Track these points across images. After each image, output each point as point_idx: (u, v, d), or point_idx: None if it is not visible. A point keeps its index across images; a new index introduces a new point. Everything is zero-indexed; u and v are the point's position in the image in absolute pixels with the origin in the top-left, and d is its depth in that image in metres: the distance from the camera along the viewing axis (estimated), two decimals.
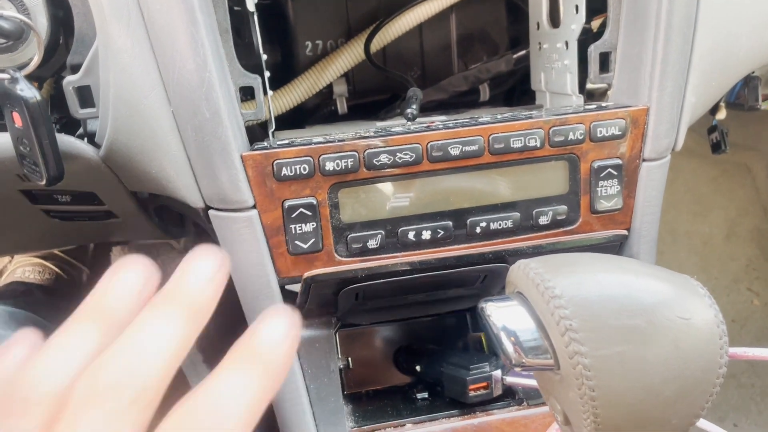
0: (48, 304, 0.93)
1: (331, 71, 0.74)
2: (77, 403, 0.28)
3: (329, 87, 0.76)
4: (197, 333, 0.31)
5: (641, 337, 0.37)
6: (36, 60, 0.49)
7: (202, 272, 0.32)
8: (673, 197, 1.41)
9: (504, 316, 0.40)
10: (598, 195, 0.55)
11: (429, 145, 0.52)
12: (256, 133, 0.59)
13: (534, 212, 0.55)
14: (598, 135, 0.54)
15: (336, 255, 0.53)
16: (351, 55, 0.74)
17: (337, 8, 0.77)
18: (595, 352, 0.37)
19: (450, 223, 0.54)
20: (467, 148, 0.52)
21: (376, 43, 0.73)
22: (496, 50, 0.79)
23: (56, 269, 1.03)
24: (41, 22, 0.49)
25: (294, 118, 0.74)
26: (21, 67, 0.49)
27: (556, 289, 0.38)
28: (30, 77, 0.50)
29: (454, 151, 0.52)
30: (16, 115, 0.48)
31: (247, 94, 0.54)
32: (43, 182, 0.50)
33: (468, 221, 0.54)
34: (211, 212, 0.53)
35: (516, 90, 0.80)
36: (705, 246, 1.42)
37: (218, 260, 0.33)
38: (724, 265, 1.40)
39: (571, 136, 0.53)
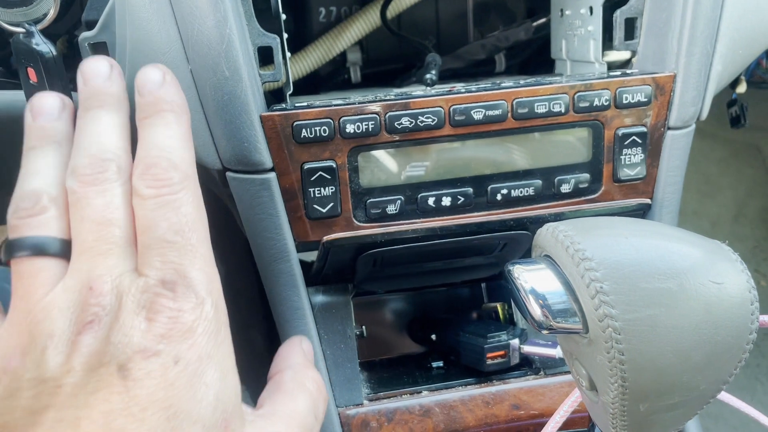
0: None
1: (346, 38, 0.72)
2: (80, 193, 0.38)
3: (343, 55, 0.74)
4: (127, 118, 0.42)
5: (673, 301, 0.37)
6: (51, 14, 0.47)
7: (101, 73, 0.42)
8: None
9: (532, 279, 0.40)
10: (621, 163, 0.54)
11: (451, 109, 0.51)
12: (270, 102, 0.58)
13: (556, 180, 0.54)
14: (624, 101, 0.53)
15: (354, 220, 0.52)
16: (366, 22, 0.72)
17: None
18: (625, 315, 0.36)
19: (470, 189, 0.53)
20: (490, 113, 0.51)
21: (392, 10, 0.71)
22: (512, 18, 0.77)
23: None
24: None
25: (307, 87, 0.73)
26: (36, 22, 0.48)
27: (586, 252, 0.37)
28: (44, 33, 0.48)
29: (477, 116, 0.51)
30: (31, 71, 0.47)
31: (264, 56, 0.53)
32: None
33: (489, 188, 0.53)
34: (228, 174, 0.52)
35: (533, 60, 0.78)
36: (713, 226, 1.41)
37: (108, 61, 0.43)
38: (733, 245, 1.39)
39: (596, 102, 0.52)
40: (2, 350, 0.36)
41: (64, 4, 0.49)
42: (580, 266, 0.37)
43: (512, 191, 0.53)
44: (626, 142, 0.54)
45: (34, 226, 0.38)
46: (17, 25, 0.47)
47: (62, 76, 0.47)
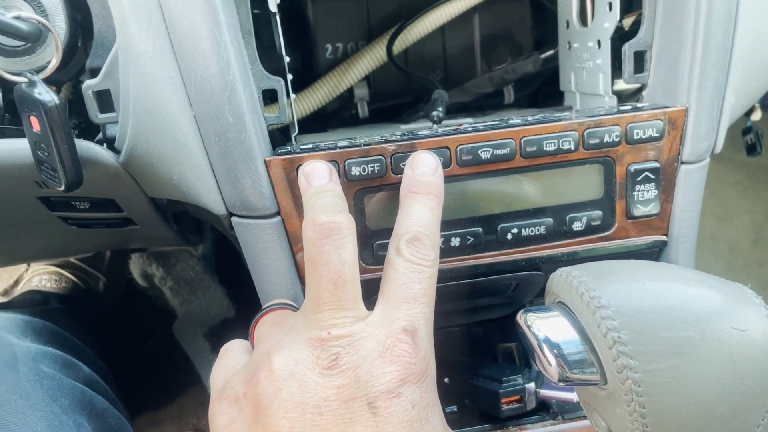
0: (65, 313, 0.92)
1: (352, 74, 0.72)
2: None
3: (350, 90, 0.74)
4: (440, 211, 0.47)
5: (694, 350, 0.35)
6: (54, 63, 0.47)
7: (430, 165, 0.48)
8: None
9: (545, 327, 0.38)
10: (634, 200, 0.53)
11: (458, 149, 0.50)
12: (277, 138, 0.57)
13: (567, 218, 0.53)
14: (635, 137, 0.51)
15: (362, 263, 0.51)
16: (372, 58, 0.72)
17: (357, 10, 0.75)
18: (645, 366, 0.35)
19: (480, 229, 0.52)
20: (498, 152, 0.50)
21: (398, 45, 0.71)
22: (520, 51, 0.77)
23: (73, 278, 1.02)
24: (59, 24, 0.48)
25: (314, 122, 0.72)
26: (39, 70, 0.47)
27: (602, 299, 0.36)
28: (48, 81, 0.48)
29: (485, 155, 0.50)
30: (34, 120, 0.47)
31: (269, 97, 0.53)
32: (62, 188, 0.48)
33: (499, 227, 0.52)
34: (233, 219, 0.51)
35: (541, 92, 0.77)
36: (731, 251, 1.39)
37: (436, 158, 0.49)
38: (752, 270, 1.37)
39: (606, 139, 0.51)
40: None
41: (67, 52, 0.49)
42: (596, 314, 0.35)
43: (523, 230, 0.52)
44: (639, 178, 0.52)
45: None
46: (19, 74, 0.47)
47: (66, 124, 0.47)
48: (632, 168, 0.52)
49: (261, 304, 0.54)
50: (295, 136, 0.57)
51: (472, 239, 0.52)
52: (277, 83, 0.51)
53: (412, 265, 0.43)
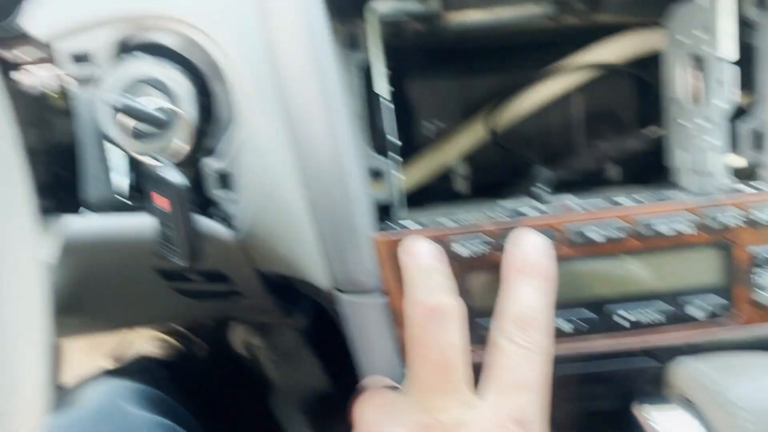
0: (170, 379, 0.95)
1: (452, 151, 0.73)
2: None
3: (449, 167, 0.75)
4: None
5: None
6: (183, 147, 0.51)
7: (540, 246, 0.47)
8: None
9: (667, 423, 0.36)
10: (757, 285, 0.50)
11: (566, 229, 0.49)
12: (380, 214, 0.58)
13: (684, 303, 0.50)
14: (756, 219, 0.49)
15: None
16: (471, 135, 0.73)
17: (456, 89, 0.77)
18: None
19: (590, 313, 0.50)
20: (608, 233, 0.49)
21: (498, 123, 0.72)
22: (624, 127, 0.75)
23: (178, 344, 1.06)
24: (189, 110, 0.52)
25: (413, 197, 0.73)
26: (169, 154, 0.51)
27: (735, 398, 0.33)
28: (175, 162, 0.52)
29: (594, 236, 0.49)
30: (162, 198, 0.50)
31: (375, 175, 0.54)
32: (182, 262, 0.51)
33: (610, 312, 0.50)
34: (337, 294, 0.52)
35: (647, 168, 0.75)
36: None
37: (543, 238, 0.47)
38: None
39: (724, 220, 0.49)
40: None
41: (194, 135, 0.53)
42: (728, 416, 0.33)
43: (637, 315, 0.50)
44: (761, 262, 0.49)
45: None
46: (153, 157, 0.51)
47: (191, 203, 0.50)
48: (754, 252, 0.49)
49: (360, 380, 0.54)
50: (398, 214, 0.58)
51: (581, 323, 0.50)
52: (384, 164, 0.53)
53: (523, 350, 0.42)
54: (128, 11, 0.53)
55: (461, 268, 0.49)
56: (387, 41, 0.57)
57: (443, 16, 0.65)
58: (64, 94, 0.55)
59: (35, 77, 0.55)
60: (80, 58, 0.53)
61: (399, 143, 0.56)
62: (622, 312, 0.50)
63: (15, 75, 0.54)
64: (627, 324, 0.50)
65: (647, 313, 0.50)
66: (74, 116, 0.55)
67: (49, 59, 0.54)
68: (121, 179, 0.55)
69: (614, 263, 0.50)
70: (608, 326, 0.50)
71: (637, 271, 0.50)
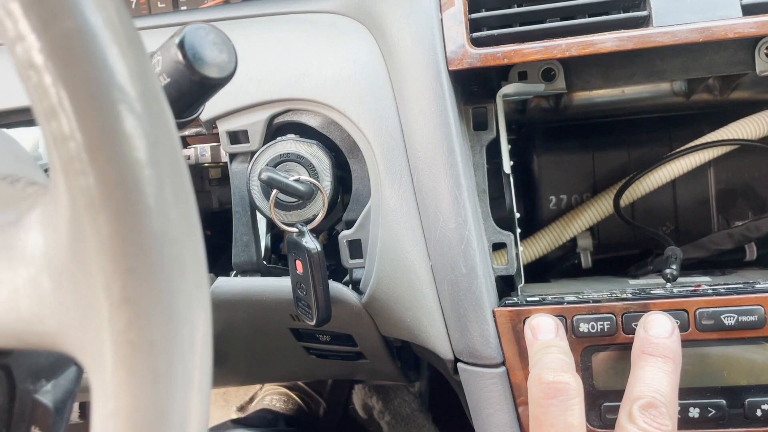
0: None
1: (576, 225, 0.73)
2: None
3: (573, 240, 0.75)
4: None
5: None
6: (320, 217, 0.56)
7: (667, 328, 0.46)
8: None
9: None
10: None
11: (697, 313, 0.48)
12: (500, 286, 0.59)
13: None
14: None
15: (588, 425, 0.49)
16: (597, 210, 0.73)
17: (583, 164, 0.77)
18: None
19: (723, 401, 0.48)
20: (744, 318, 0.47)
21: (625, 198, 0.71)
22: (763, 206, 0.72)
23: (299, 400, 1.11)
24: (326, 184, 0.57)
25: (535, 270, 0.73)
26: (307, 222, 0.56)
27: None
28: (312, 230, 0.57)
29: (729, 321, 0.47)
30: (298, 263, 0.55)
31: (497, 248, 0.56)
32: (313, 323, 0.55)
33: (746, 401, 0.47)
34: (459, 365, 0.53)
35: None
36: None
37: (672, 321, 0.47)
38: None
39: None
40: None
41: (330, 206, 0.58)
42: None
43: None
44: None
45: None
46: (293, 225, 0.56)
47: (324, 267, 0.54)
48: None
49: None
50: (520, 287, 0.59)
51: (713, 412, 0.47)
52: (506, 237, 0.54)
53: None
54: (278, 96, 0.59)
55: (583, 345, 0.49)
56: (512, 117, 0.60)
57: (568, 94, 0.66)
58: (221, 167, 0.62)
59: (200, 152, 0.63)
60: (236, 136, 0.60)
61: (518, 215, 0.57)
62: (761, 403, 0.47)
63: (185, 151, 0.63)
64: (765, 416, 0.47)
65: None
66: (230, 187, 0.61)
67: (211, 137, 0.62)
68: (265, 245, 0.61)
69: (753, 350, 0.47)
70: (744, 417, 0.47)
71: None
